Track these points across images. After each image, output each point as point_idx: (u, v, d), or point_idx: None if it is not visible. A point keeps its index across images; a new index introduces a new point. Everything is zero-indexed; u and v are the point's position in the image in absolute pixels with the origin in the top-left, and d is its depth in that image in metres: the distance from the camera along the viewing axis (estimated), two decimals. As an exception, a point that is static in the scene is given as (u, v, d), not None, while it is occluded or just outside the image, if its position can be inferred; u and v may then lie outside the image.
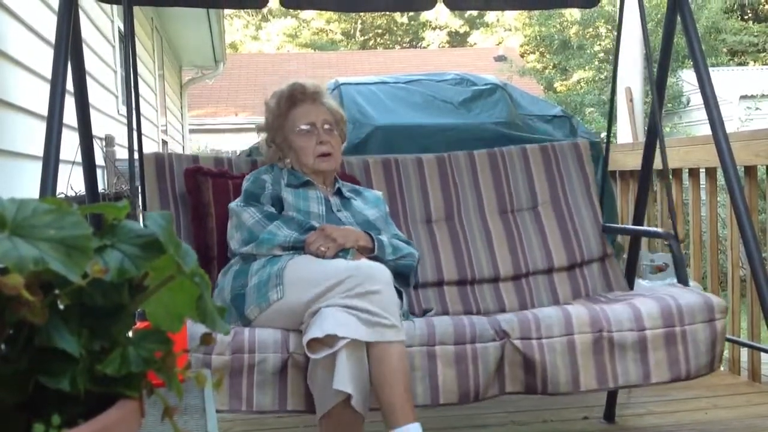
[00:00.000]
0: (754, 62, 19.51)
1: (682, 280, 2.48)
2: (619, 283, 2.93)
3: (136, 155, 2.55)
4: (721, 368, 3.92)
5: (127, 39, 2.63)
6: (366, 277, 2.01)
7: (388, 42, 33.01)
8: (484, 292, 2.86)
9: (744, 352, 3.72)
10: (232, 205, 2.51)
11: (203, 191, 2.68)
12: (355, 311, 1.98)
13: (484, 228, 2.96)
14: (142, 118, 2.81)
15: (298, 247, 2.31)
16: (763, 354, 3.61)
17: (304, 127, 2.59)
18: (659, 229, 2.78)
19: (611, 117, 3.13)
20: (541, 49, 20.30)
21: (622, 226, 3.02)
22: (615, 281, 2.94)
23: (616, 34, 3.14)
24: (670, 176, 4.19)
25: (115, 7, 6.35)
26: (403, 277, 2.46)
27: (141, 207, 2.68)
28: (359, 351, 1.97)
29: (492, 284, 2.89)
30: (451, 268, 2.87)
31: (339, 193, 2.63)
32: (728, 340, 3.47)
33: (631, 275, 2.98)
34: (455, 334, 2.11)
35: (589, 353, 2.15)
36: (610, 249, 3.03)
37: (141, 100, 2.73)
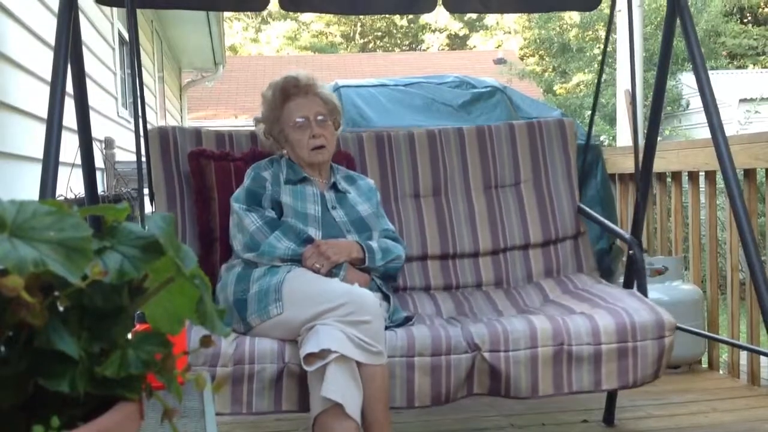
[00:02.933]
0: (754, 65, 19.51)
1: (642, 290, 2.62)
2: (589, 263, 3.08)
3: (143, 157, 2.62)
4: (720, 371, 3.92)
5: (132, 41, 2.63)
6: (358, 307, 2.18)
7: (388, 45, 33.02)
8: (464, 267, 3.02)
9: (743, 356, 3.72)
10: (235, 205, 2.60)
11: (206, 175, 2.77)
12: (347, 334, 2.15)
13: (468, 204, 3.09)
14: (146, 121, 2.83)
15: (296, 260, 2.46)
16: (762, 357, 3.61)
17: (298, 120, 2.68)
18: (624, 233, 2.82)
19: (594, 113, 3.20)
20: (540, 52, 20.29)
21: (594, 214, 3.06)
22: (585, 260, 3.08)
23: (603, 35, 3.16)
24: (669, 179, 4.19)
25: (115, 9, 6.36)
26: (391, 277, 2.67)
27: (148, 185, 2.73)
28: (349, 365, 2.13)
29: (472, 259, 3.04)
30: (435, 243, 3.02)
31: (334, 186, 2.72)
32: (728, 343, 3.49)
33: (630, 279, 2.98)
34: (432, 346, 2.28)
35: (549, 364, 2.33)
36: (584, 227, 3.13)
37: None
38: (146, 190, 2.81)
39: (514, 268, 3.03)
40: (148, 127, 2.87)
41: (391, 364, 2.22)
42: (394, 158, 3.08)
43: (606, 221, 3.05)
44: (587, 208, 3.12)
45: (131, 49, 2.62)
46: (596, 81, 3.16)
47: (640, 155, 2.85)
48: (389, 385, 2.21)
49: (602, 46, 3.01)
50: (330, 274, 2.44)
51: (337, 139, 2.91)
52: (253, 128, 2.93)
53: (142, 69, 2.92)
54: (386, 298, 2.54)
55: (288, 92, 2.73)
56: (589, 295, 2.68)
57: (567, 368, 2.34)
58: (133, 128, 2.67)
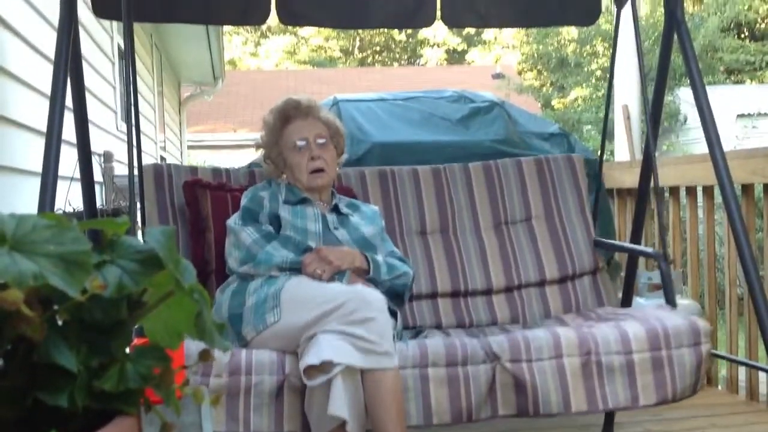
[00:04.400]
0: (751, 81, 19.57)
1: (671, 302, 2.51)
2: (610, 297, 2.97)
3: (135, 171, 2.57)
4: (719, 387, 3.91)
5: (127, 54, 2.64)
6: (361, 304, 2.05)
7: (387, 59, 33.10)
8: (477, 305, 2.92)
9: (742, 371, 3.71)
10: (230, 223, 2.53)
11: (202, 204, 2.70)
12: (350, 338, 2.02)
13: (478, 240, 3.02)
14: (141, 135, 2.82)
15: (295, 268, 2.35)
16: (761, 373, 3.60)
17: (298, 143, 2.61)
18: (649, 249, 2.77)
19: (605, 134, 3.15)
20: (538, 67, 20.33)
21: (614, 242, 3.02)
22: (606, 295, 2.98)
23: (611, 51, 3.15)
24: (667, 194, 4.20)
25: (114, 23, 6.38)
26: (397, 295, 2.51)
27: (140, 222, 2.69)
28: (354, 377, 2.01)
29: (485, 296, 2.94)
30: (445, 280, 2.92)
31: (336, 209, 2.64)
32: (726, 358, 3.48)
33: (629, 294, 2.98)
34: (447, 355, 2.14)
35: (579, 376, 2.19)
36: (602, 263, 3.06)
37: (140, 117, 2.74)
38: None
39: (530, 305, 2.93)
40: (147, 144, 2.87)
41: (402, 376, 2.08)
42: (399, 195, 3.01)
43: (628, 245, 2.99)
44: (603, 239, 3.07)
45: (127, 60, 2.62)
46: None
47: (648, 169, 2.83)
48: (401, 390, 2.05)
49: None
50: (332, 281, 2.32)
51: (339, 175, 2.83)
52: (252, 168, 2.89)
53: (141, 83, 2.92)
54: (393, 315, 2.34)
55: (288, 114, 2.67)
56: (614, 315, 2.58)
57: (599, 382, 2.20)
58: (134, 141, 2.66)
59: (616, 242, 3.02)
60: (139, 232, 2.79)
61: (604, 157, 3.35)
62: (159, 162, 8.69)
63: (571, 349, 2.19)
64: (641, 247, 2.99)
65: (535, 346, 2.18)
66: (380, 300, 2.11)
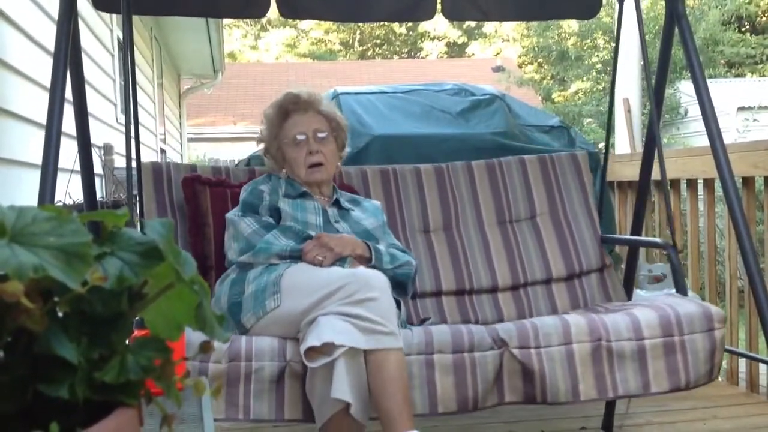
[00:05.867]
0: (752, 74, 19.54)
1: (682, 290, 2.47)
2: (618, 294, 2.93)
3: (134, 164, 2.56)
4: (720, 379, 3.91)
5: (126, 46, 2.63)
6: (363, 284, 2.01)
7: (387, 52, 33.06)
8: (482, 303, 2.87)
9: (742, 363, 3.72)
10: (230, 215, 2.51)
11: (201, 200, 2.67)
12: (352, 319, 1.97)
13: (483, 238, 2.97)
14: (140, 127, 2.81)
15: (295, 256, 2.31)
16: (761, 365, 3.61)
17: (297, 137, 2.58)
18: (658, 239, 2.76)
19: (609, 127, 3.14)
20: (539, 60, 20.31)
21: (621, 236, 3.01)
22: (614, 292, 2.94)
23: (614, 45, 3.15)
24: (668, 186, 4.20)
25: (114, 16, 6.36)
26: (401, 286, 2.45)
27: (138, 215, 2.68)
28: (357, 359, 1.95)
29: (490, 294, 2.89)
30: (450, 279, 2.87)
31: (337, 203, 2.61)
32: (727, 350, 3.48)
33: (629, 286, 2.98)
34: (453, 342, 2.09)
35: (588, 363, 2.13)
36: (608, 260, 3.03)
37: (140, 109, 2.74)
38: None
39: (537, 304, 2.88)
40: (147, 136, 2.86)
41: (407, 362, 2.01)
42: (401, 193, 2.97)
43: (637, 237, 2.97)
44: (609, 235, 3.05)
45: (125, 54, 2.62)
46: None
47: (648, 162, 2.84)
48: (406, 372, 1.98)
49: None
50: (333, 267, 2.25)
51: (340, 173, 2.80)
52: (252, 160, 2.88)
53: (141, 75, 2.91)
54: (397, 304, 2.25)
55: (287, 109, 2.64)
56: (624, 306, 2.53)
57: (609, 368, 2.14)
58: (133, 134, 2.66)
59: (623, 236, 3.00)
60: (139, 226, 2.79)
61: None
62: (159, 155, 8.68)
63: (581, 336, 2.14)
64: (650, 239, 2.98)
65: (544, 332, 2.13)
66: (382, 281, 2.06)
